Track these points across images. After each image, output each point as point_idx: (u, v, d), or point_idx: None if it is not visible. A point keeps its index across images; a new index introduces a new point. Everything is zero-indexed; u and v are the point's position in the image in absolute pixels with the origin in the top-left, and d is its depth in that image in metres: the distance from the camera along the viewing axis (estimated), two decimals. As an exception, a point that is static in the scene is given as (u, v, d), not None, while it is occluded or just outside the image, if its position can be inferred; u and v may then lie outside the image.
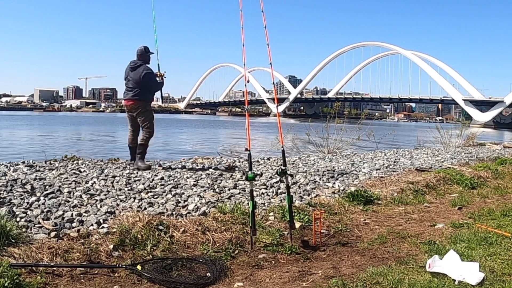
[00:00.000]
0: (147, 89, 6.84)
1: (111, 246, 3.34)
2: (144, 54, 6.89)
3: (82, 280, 2.90)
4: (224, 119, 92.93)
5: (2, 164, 6.81)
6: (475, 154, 11.72)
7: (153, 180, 5.89)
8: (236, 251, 3.50)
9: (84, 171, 6.43)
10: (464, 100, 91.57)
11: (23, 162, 7.00)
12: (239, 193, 5.37)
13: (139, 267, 3.01)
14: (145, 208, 4.47)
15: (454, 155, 11.44)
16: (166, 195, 5.09)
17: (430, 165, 8.91)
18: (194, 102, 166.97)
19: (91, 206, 4.45)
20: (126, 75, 6.92)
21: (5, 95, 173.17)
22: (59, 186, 5.12)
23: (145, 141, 6.85)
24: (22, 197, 4.59)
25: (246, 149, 3.78)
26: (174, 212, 4.37)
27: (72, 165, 6.99)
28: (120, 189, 5.25)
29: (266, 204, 4.96)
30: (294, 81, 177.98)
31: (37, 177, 5.61)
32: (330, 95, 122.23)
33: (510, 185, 6.90)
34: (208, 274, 3.01)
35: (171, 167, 7.38)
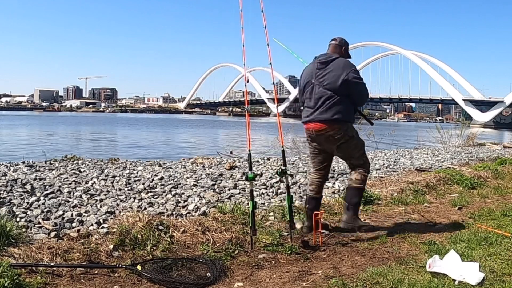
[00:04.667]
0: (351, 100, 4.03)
1: (111, 246, 3.33)
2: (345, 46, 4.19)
3: (82, 280, 2.90)
4: (224, 119, 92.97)
5: (2, 164, 6.82)
6: (475, 154, 11.72)
7: (153, 180, 5.89)
8: (236, 251, 3.49)
9: (84, 171, 6.43)
10: (464, 100, 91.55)
11: (23, 162, 7.01)
12: (239, 193, 5.38)
13: (139, 267, 3.01)
14: (145, 208, 4.47)
15: (454, 155, 11.44)
16: (166, 195, 5.10)
17: (430, 165, 8.91)
18: (194, 102, 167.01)
19: (91, 206, 4.45)
20: (307, 79, 4.09)
21: (5, 95, 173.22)
22: (59, 186, 5.12)
23: (361, 181, 4.09)
24: (22, 197, 4.59)
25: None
26: (174, 212, 4.37)
27: (72, 165, 7.00)
28: (120, 189, 5.25)
29: (266, 204, 4.96)
30: (294, 81, 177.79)
31: (37, 177, 5.61)
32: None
33: (510, 185, 6.90)
34: (208, 274, 3.00)
35: (171, 167, 7.38)
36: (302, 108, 4.15)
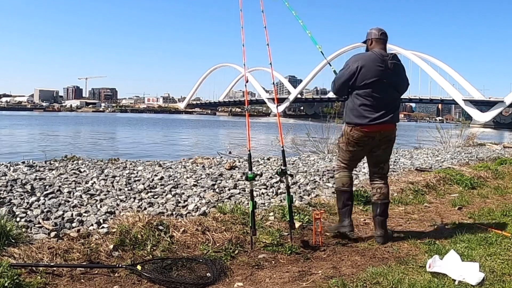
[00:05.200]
0: None
1: (111, 246, 3.34)
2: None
3: (82, 280, 2.90)
4: (224, 119, 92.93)
5: (2, 164, 6.81)
6: (475, 154, 11.72)
7: (153, 180, 5.89)
8: (236, 251, 3.50)
9: (84, 171, 6.43)
10: (464, 100, 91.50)
11: (23, 162, 7.00)
12: (239, 193, 5.37)
13: (139, 267, 3.01)
14: (145, 208, 4.47)
15: (454, 155, 11.44)
16: (166, 195, 5.10)
17: (430, 165, 8.91)
18: (194, 102, 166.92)
19: (91, 206, 4.45)
20: (377, 76, 3.72)
21: (5, 95, 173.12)
22: (59, 186, 5.12)
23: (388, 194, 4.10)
24: (22, 197, 4.59)
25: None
26: (174, 212, 4.37)
27: (72, 165, 7.00)
28: (120, 189, 5.25)
29: (266, 204, 4.96)
30: (294, 81, 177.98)
31: (37, 177, 5.61)
32: (330, 95, 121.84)
33: (510, 185, 6.90)
34: (208, 274, 3.01)
35: (171, 167, 7.38)
36: (358, 106, 3.73)
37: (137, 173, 6.48)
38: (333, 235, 4.01)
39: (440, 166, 8.73)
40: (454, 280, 2.87)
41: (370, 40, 3.89)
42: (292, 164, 8.48)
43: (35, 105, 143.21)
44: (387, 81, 3.73)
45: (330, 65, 4.13)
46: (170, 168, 7.24)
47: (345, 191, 3.93)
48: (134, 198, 4.88)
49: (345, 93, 3.86)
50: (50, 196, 4.69)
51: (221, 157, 10.48)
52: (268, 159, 9.26)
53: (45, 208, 4.19)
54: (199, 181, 5.93)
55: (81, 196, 4.77)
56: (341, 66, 3.93)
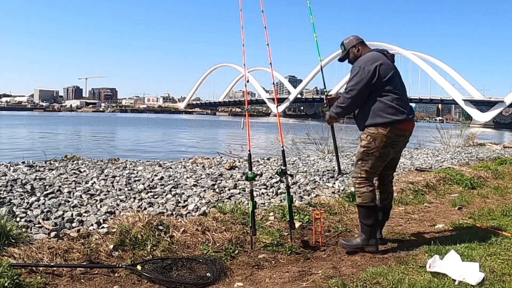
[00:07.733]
0: None
1: (111, 246, 3.34)
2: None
3: (82, 280, 2.90)
4: (224, 119, 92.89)
5: (2, 164, 6.82)
6: (475, 154, 11.71)
7: (153, 180, 5.89)
8: (236, 251, 3.50)
9: (84, 171, 6.43)
10: (464, 100, 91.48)
11: (23, 162, 7.01)
12: (239, 193, 5.37)
13: (139, 267, 3.01)
14: (145, 208, 4.47)
15: (454, 155, 11.44)
16: (166, 195, 5.10)
17: (430, 165, 8.90)
18: (194, 102, 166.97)
19: (91, 206, 4.45)
20: (394, 71, 3.62)
21: (5, 95, 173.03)
22: (59, 186, 5.12)
23: None
24: (22, 197, 4.59)
25: (242, 150, 3.75)
26: (174, 212, 4.37)
27: (72, 165, 7.00)
28: (120, 189, 5.25)
29: (266, 204, 4.96)
30: (294, 81, 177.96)
31: (37, 177, 5.61)
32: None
33: (510, 185, 6.90)
34: (208, 274, 3.01)
35: (171, 167, 7.38)
36: (391, 102, 3.44)
37: (137, 173, 6.48)
38: (334, 236, 4.01)
39: (440, 166, 8.73)
40: (454, 280, 2.87)
41: (355, 47, 3.71)
42: (292, 164, 8.48)
43: (35, 105, 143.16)
44: (399, 76, 3.64)
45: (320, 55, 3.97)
46: (170, 168, 7.25)
47: (375, 206, 3.56)
48: (134, 198, 4.89)
49: (364, 99, 3.51)
50: (50, 196, 4.69)
51: (221, 157, 10.48)
52: (268, 159, 9.27)
53: (45, 208, 4.19)
54: (199, 181, 5.93)
55: (81, 196, 4.77)
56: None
